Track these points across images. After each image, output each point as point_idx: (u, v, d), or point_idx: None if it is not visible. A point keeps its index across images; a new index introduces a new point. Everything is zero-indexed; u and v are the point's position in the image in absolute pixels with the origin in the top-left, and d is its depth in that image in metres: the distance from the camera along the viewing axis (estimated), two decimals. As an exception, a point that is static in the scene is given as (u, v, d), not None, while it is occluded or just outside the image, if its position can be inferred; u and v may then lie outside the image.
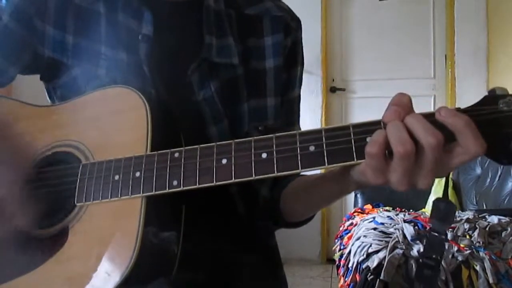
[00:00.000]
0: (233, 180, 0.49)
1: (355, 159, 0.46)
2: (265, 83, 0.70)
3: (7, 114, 0.65)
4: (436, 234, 0.48)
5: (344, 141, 0.46)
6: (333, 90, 3.31)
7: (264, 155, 0.48)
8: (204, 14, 0.69)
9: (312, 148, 0.47)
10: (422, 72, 3.22)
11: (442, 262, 1.45)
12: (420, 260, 0.49)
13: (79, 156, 0.58)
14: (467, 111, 0.44)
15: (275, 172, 0.48)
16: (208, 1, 0.69)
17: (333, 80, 3.34)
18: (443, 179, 0.51)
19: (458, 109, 0.44)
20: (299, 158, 0.47)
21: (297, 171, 0.47)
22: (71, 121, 0.61)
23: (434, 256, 0.48)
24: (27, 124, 0.64)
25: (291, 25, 0.72)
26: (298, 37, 0.74)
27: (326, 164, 0.46)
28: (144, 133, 0.55)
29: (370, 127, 0.46)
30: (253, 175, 0.48)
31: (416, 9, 3.26)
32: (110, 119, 0.58)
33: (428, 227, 1.71)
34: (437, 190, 2.48)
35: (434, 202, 0.49)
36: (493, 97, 0.44)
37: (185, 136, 0.58)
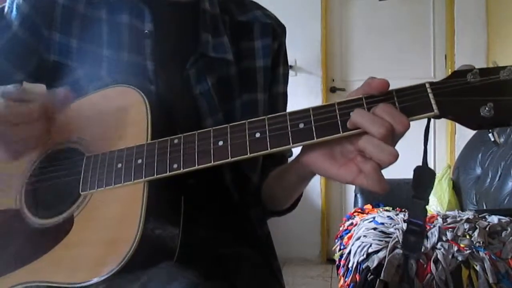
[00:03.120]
0: (229, 159, 0.52)
1: (341, 132, 0.49)
2: (256, 80, 0.77)
3: None
4: (418, 200, 0.51)
5: (330, 116, 0.50)
6: (333, 90, 3.31)
7: (257, 135, 0.52)
8: (201, 16, 0.74)
9: (301, 125, 0.51)
10: (422, 72, 3.22)
11: (442, 262, 1.45)
12: (405, 227, 0.52)
13: (83, 150, 0.61)
14: (439, 83, 0.49)
15: (269, 148, 0.51)
16: (205, 4, 0.75)
17: (333, 80, 3.34)
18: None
19: (432, 82, 0.49)
20: (290, 134, 0.51)
21: (289, 146, 0.51)
22: (74, 120, 0.63)
23: (417, 222, 0.51)
24: None
25: (277, 31, 0.81)
26: (282, 41, 0.83)
27: (315, 138, 0.50)
28: (144, 127, 0.57)
29: (352, 103, 0.50)
30: (248, 153, 0.52)
31: (416, 9, 3.26)
32: (111, 116, 0.61)
33: (427, 227, 1.71)
34: (437, 190, 2.48)
35: (414, 170, 0.53)
36: (462, 71, 0.49)
37: (182, 129, 0.60)
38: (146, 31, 0.69)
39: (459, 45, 3.12)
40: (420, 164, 0.52)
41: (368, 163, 0.48)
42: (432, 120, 0.50)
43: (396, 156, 0.46)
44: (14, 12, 0.70)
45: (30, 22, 0.69)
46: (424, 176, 0.52)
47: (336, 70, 3.35)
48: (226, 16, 0.77)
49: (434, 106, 0.48)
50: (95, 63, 0.69)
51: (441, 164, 3.00)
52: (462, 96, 0.47)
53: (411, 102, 0.48)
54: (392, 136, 0.47)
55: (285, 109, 0.83)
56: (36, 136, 0.56)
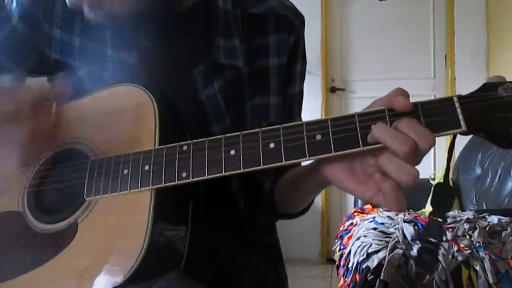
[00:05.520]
0: (241, 170, 0.50)
1: (361, 146, 0.47)
2: (268, 81, 0.71)
3: None
4: (436, 218, 0.49)
5: (349, 129, 0.47)
6: (333, 90, 3.31)
7: (271, 145, 0.49)
8: (214, 16, 0.69)
9: (318, 137, 0.48)
10: (422, 72, 3.22)
11: (442, 262, 1.45)
12: (419, 244, 0.50)
13: (87, 153, 0.59)
14: (467, 97, 0.46)
15: (283, 161, 0.49)
16: (218, 1, 0.69)
17: (333, 80, 3.34)
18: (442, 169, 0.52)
19: (460, 96, 0.46)
20: (306, 146, 0.48)
21: (305, 159, 0.48)
22: (79, 119, 0.61)
23: (432, 240, 0.49)
24: None
25: (294, 23, 0.73)
26: (301, 34, 0.75)
27: (333, 151, 0.47)
28: (152, 129, 0.55)
29: (374, 115, 0.47)
30: (261, 165, 0.49)
31: (416, 9, 3.26)
32: (117, 116, 0.59)
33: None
34: (437, 190, 2.48)
35: (434, 187, 0.51)
36: (492, 84, 0.46)
37: (189, 134, 0.58)
38: (142, 41, 0.66)
39: (459, 45, 3.12)
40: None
41: (386, 182, 0.46)
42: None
43: (415, 177, 0.44)
44: (14, 3, 0.67)
45: (30, 15, 0.67)
46: (444, 194, 0.50)
47: (336, 70, 3.36)
48: (237, 9, 0.71)
49: (462, 122, 0.45)
50: (99, 63, 0.66)
51: (441, 164, 3.00)
52: (492, 112, 0.45)
53: (437, 117, 0.46)
54: (416, 154, 0.45)
55: (300, 109, 0.79)
56: (30, 135, 0.52)
